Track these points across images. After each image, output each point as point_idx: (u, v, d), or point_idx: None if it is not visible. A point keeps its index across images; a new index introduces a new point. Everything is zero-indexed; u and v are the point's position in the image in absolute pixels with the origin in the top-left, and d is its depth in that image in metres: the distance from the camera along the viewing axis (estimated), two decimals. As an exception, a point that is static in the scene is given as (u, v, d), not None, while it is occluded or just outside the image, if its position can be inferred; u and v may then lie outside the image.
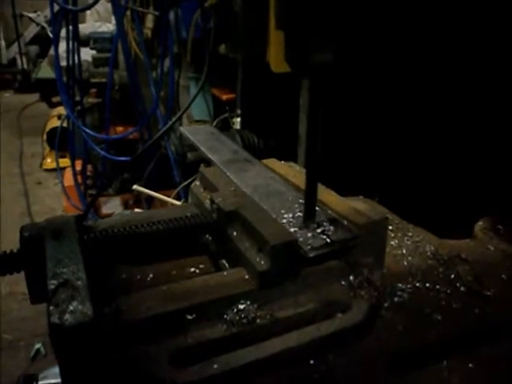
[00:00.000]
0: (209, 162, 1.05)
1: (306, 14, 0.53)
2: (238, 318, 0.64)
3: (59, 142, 4.48)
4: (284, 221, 0.72)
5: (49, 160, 5.80)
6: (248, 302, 0.66)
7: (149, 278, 0.81)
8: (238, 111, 1.77)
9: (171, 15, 2.86)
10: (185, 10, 2.49)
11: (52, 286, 0.59)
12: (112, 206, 3.99)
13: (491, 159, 1.34)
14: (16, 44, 8.86)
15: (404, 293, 0.78)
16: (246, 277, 0.68)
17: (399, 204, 1.05)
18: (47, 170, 5.79)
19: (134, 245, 0.83)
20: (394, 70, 1.41)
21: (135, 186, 1.99)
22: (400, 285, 0.80)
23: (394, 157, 1.54)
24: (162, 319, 0.63)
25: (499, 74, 1.28)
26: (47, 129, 5.64)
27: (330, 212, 0.75)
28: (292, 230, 0.70)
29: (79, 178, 3.92)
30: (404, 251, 0.91)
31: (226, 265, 0.78)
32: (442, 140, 1.42)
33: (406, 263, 0.88)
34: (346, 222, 0.72)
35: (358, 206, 0.81)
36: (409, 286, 0.79)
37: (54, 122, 5.51)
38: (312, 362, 0.62)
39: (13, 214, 4.69)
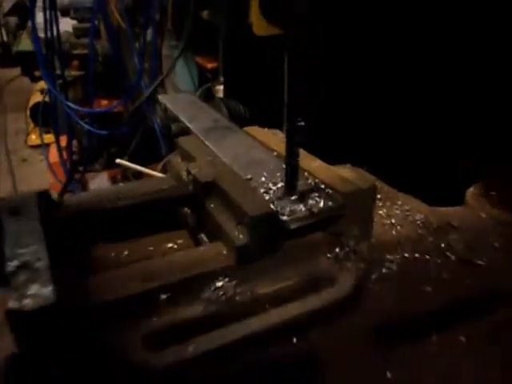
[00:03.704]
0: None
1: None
2: (215, 295, 0.60)
3: (43, 117, 4.37)
4: (264, 191, 0.68)
5: (33, 136, 5.65)
6: (226, 279, 0.61)
7: (123, 255, 0.77)
8: (221, 79, 1.70)
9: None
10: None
11: (10, 269, 0.54)
12: (99, 182, 3.92)
13: (486, 118, 1.29)
14: (-6, 15, 8.55)
15: (392, 264, 0.74)
16: (224, 252, 0.64)
17: (388, 171, 1.01)
18: (32, 147, 5.66)
19: (105, 221, 0.78)
20: (379, 40, 1.35)
21: (118, 160, 1.93)
22: (388, 256, 0.76)
23: (381, 123, 1.49)
24: (134, 299, 0.59)
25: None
26: (30, 104, 5.49)
27: (313, 180, 0.71)
28: (273, 200, 0.65)
29: (65, 154, 3.83)
30: (393, 221, 0.87)
31: (205, 239, 0.74)
32: (432, 99, 1.37)
33: (394, 233, 0.84)
34: (330, 191, 0.68)
35: (344, 174, 0.77)
36: (397, 256, 0.76)
37: (38, 97, 5.34)
38: (295, 340, 0.59)
39: (-1, 193, 4.61)
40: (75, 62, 4.32)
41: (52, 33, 3.33)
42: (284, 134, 1.02)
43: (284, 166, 0.72)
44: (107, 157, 3.83)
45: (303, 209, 0.63)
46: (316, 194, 0.66)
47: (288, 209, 0.63)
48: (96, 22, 3.42)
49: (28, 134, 5.74)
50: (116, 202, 0.77)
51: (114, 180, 3.96)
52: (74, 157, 3.98)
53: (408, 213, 0.90)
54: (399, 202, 0.93)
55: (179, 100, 1.12)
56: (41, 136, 4.54)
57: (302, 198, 0.65)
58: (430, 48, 1.31)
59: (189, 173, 0.75)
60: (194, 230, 0.78)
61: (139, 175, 3.48)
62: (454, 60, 1.28)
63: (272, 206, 0.63)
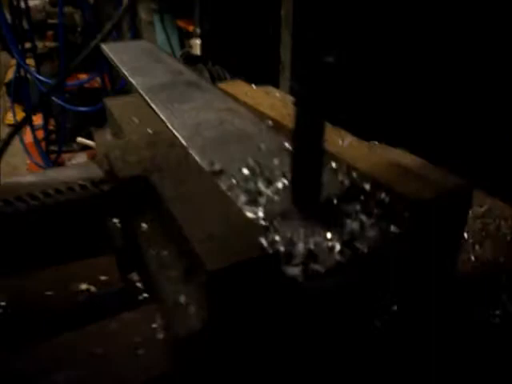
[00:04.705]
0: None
1: None
2: None
3: (19, 93, 4.01)
4: (248, 199, 0.32)
5: (11, 114, 5.30)
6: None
7: (-2, 310, 0.42)
8: (197, 30, 1.31)
9: None
10: None
11: None
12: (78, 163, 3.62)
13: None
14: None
15: (490, 325, 0.40)
16: (161, 335, 0.29)
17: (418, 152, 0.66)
18: (10, 125, 5.30)
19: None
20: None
21: (79, 139, 1.58)
22: (478, 306, 0.41)
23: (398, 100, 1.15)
24: None
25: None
26: (6, 80, 5.10)
27: (347, 174, 0.35)
28: (266, 222, 0.30)
29: (41, 133, 3.50)
30: (466, 235, 0.52)
31: (139, 283, 0.39)
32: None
33: (473, 258, 0.49)
34: (387, 198, 0.32)
35: (396, 157, 0.41)
36: (497, 311, 0.41)
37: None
38: None
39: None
40: (50, 33, 3.93)
41: (18, 1, 2.99)
42: (281, 93, 0.67)
43: (287, 145, 0.37)
44: (86, 136, 3.52)
45: (337, 245, 0.27)
46: (357, 207, 0.31)
47: (301, 246, 0.27)
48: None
49: (6, 112, 5.37)
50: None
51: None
52: (52, 136, 3.67)
53: (488, 220, 0.55)
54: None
55: (129, 48, 0.75)
56: (13, 113, 4.18)
57: (332, 216, 0.30)
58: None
59: (107, 159, 0.39)
60: (122, 258, 0.43)
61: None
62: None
63: (263, 241, 0.27)
